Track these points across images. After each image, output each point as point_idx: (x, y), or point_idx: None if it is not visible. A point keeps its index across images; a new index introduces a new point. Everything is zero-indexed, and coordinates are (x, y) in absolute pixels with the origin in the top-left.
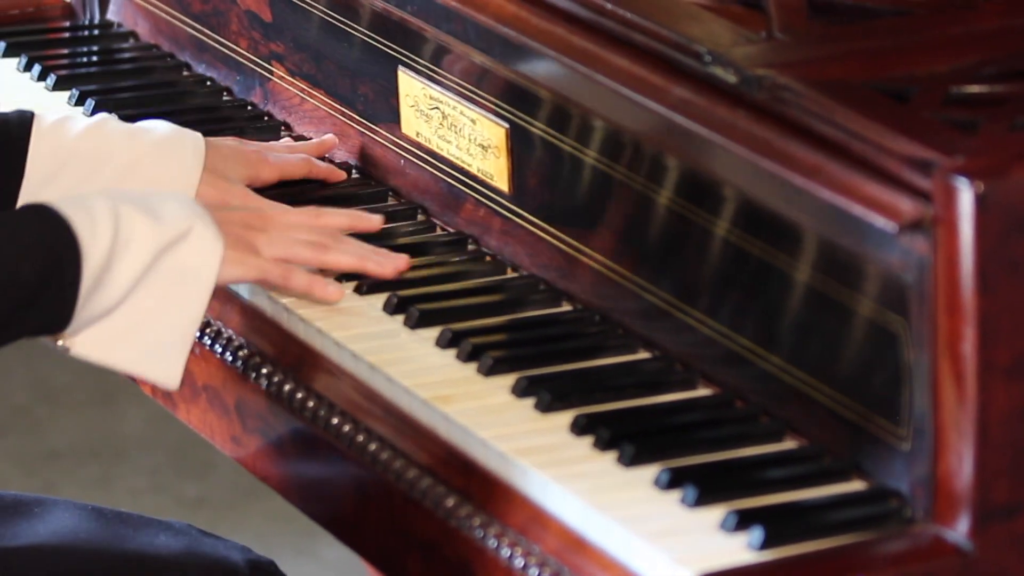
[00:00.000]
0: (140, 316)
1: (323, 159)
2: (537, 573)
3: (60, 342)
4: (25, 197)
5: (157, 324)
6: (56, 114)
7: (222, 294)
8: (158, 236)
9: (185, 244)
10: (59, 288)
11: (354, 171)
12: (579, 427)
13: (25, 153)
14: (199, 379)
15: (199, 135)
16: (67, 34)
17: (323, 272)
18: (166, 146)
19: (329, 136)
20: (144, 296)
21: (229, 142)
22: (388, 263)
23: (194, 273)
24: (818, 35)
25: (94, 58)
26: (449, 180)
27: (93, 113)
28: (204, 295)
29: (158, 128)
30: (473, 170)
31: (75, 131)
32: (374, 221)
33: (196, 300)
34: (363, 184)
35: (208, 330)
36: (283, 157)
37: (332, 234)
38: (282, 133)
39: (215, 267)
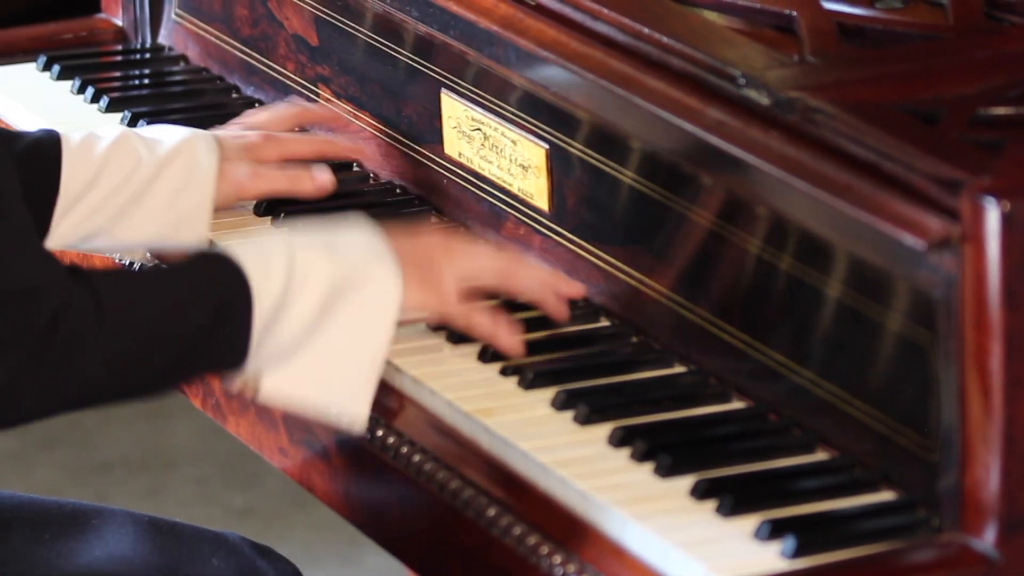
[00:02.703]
0: (324, 357)
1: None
2: None
3: (248, 390)
4: (60, 213)
5: (342, 365)
6: (79, 132)
7: None
8: (335, 268)
9: (365, 284)
10: (230, 333)
11: (398, 190)
12: (617, 439)
13: (59, 171)
14: (248, 392)
15: (209, 134)
16: (119, 57)
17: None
18: (183, 151)
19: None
20: (327, 337)
21: (231, 134)
22: (564, 311)
23: (376, 310)
24: (849, 58)
25: (146, 81)
26: (490, 199)
27: None
28: (387, 334)
29: (172, 134)
30: (514, 189)
31: (101, 146)
32: (576, 289)
33: (379, 339)
34: (407, 203)
35: None
36: (289, 137)
37: (515, 258)
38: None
39: (396, 305)
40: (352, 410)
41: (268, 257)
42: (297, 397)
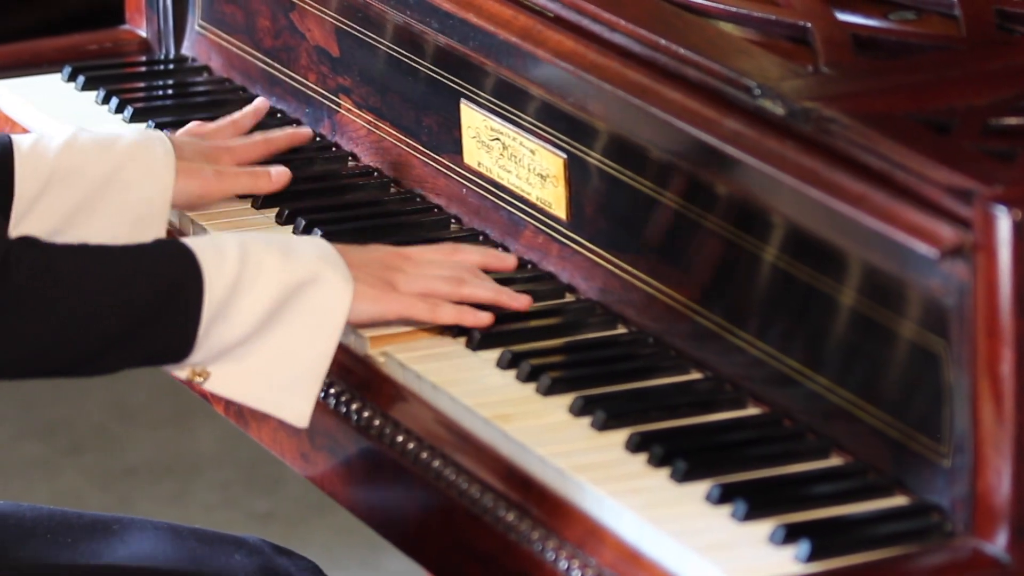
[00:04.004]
0: (272, 356)
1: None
2: None
3: (196, 378)
4: (16, 216)
5: (289, 364)
6: (30, 136)
7: None
8: (288, 274)
9: (316, 285)
10: (178, 313)
11: (418, 199)
12: (634, 444)
13: (11, 175)
14: None
15: (164, 135)
16: (143, 68)
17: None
18: (139, 152)
19: (260, 100)
20: (276, 337)
21: (187, 138)
22: (520, 299)
23: (325, 313)
24: (863, 69)
25: (169, 91)
26: (509, 208)
27: None
28: (335, 335)
29: (126, 135)
30: (532, 198)
31: (53, 149)
32: (508, 261)
33: (326, 340)
34: (427, 212)
35: None
36: (239, 144)
37: (467, 268)
38: (348, 163)
39: (346, 306)
40: (297, 408)
41: (222, 250)
42: (242, 393)
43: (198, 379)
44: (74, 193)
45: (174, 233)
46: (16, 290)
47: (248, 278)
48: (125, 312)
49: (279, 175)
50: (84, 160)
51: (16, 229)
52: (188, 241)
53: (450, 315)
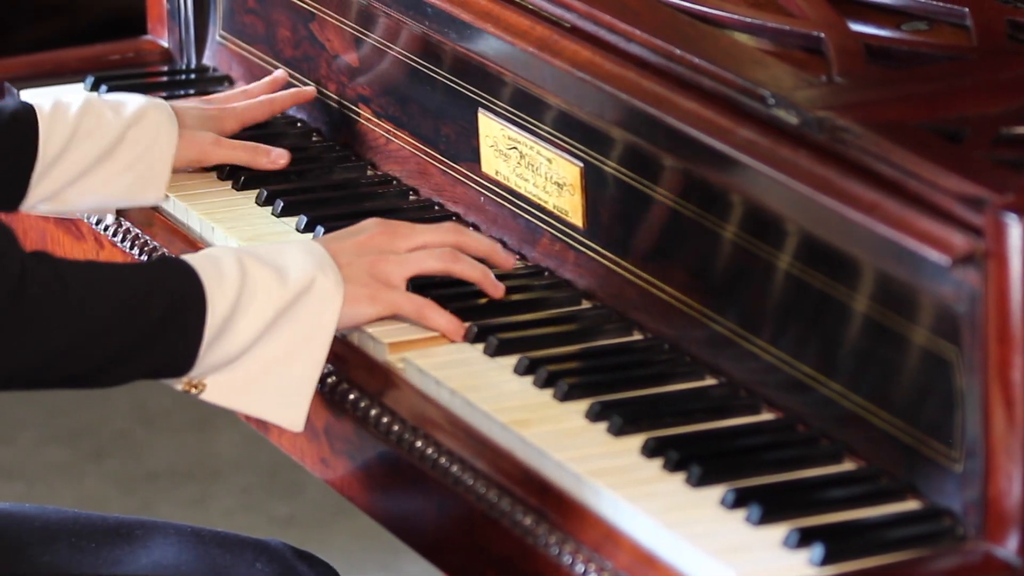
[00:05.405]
0: (266, 365)
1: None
2: None
3: (192, 390)
4: (38, 174)
5: (282, 372)
6: (48, 99)
7: None
8: (283, 291)
9: (308, 296)
10: (183, 332)
11: (436, 207)
12: (649, 450)
13: (36, 137)
14: None
15: (166, 103)
16: (165, 78)
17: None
18: (147, 116)
19: (279, 72)
20: (270, 347)
21: (190, 103)
22: (500, 287)
23: (316, 322)
24: (875, 79)
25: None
26: (526, 216)
27: None
28: (325, 341)
29: (132, 100)
30: (549, 207)
31: (73, 110)
32: (509, 261)
33: (318, 346)
34: (445, 220)
35: None
36: (242, 104)
37: (455, 241)
38: (367, 172)
39: (336, 313)
40: (291, 416)
41: (221, 269)
42: (238, 402)
43: (194, 391)
44: (89, 151)
45: (162, 213)
46: (32, 304)
47: (247, 296)
48: (132, 328)
49: (279, 155)
50: (99, 122)
51: (37, 186)
52: (189, 259)
53: (439, 323)
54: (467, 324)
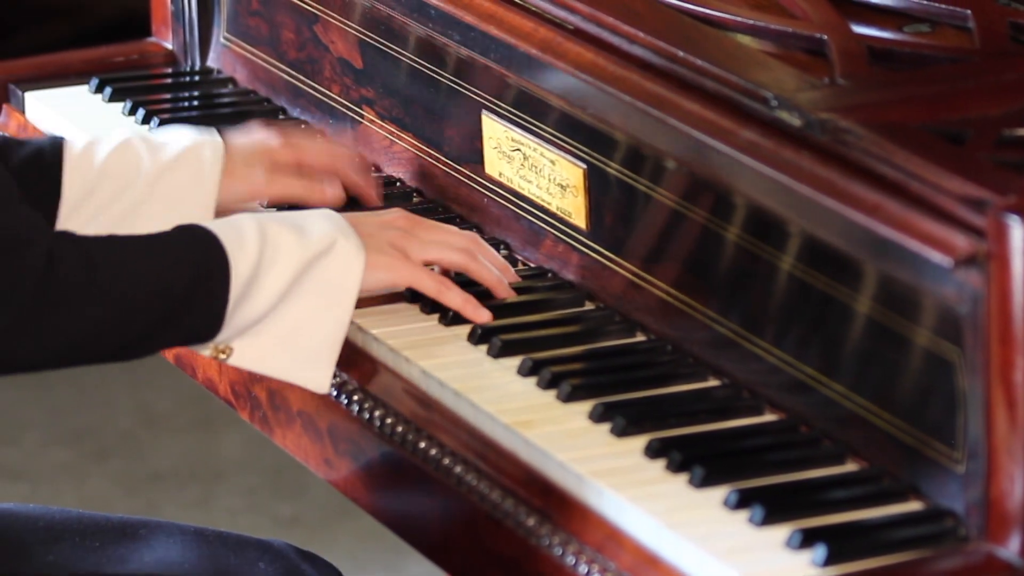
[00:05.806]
0: (291, 327)
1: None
2: None
3: (220, 355)
4: (62, 218)
5: (307, 333)
6: (84, 139)
7: None
8: (304, 250)
9: (329, 256)
10: (209, 297)
11: (440, 209)
12: (652, 450)
13: (60, 177)
14: (294, 405)
15: (218, 140)
16: (169, 80)
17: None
18: (188, 158)
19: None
20: (294, 308)
21: (245, 139)
22: (511, 292)
23: (339, 282)
24: (878, 81)
25: (195, 102)
26: (530, 218)
27: None
28: (349, 303)
29: (179, 139)
30: (552, 208)
31: (103, 153)
32: (513, 276)
33: (342, 308)
34: (449, 222)
35: None
36: (303, 141)
37: (477, 244)
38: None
39: (359, 275)
40: (316, 377)
41: (241, 232)
42: (264, 365)
43: (221, 356)
44: (118, 197)
45: None
46: (64, 283)
47: (268, 257)
48: (162, 299)
49: (335, 195)
50: (132, 164)
51: (61, 227)
52: (209, 225)
53: (456, 301)
54: (476, 319)
